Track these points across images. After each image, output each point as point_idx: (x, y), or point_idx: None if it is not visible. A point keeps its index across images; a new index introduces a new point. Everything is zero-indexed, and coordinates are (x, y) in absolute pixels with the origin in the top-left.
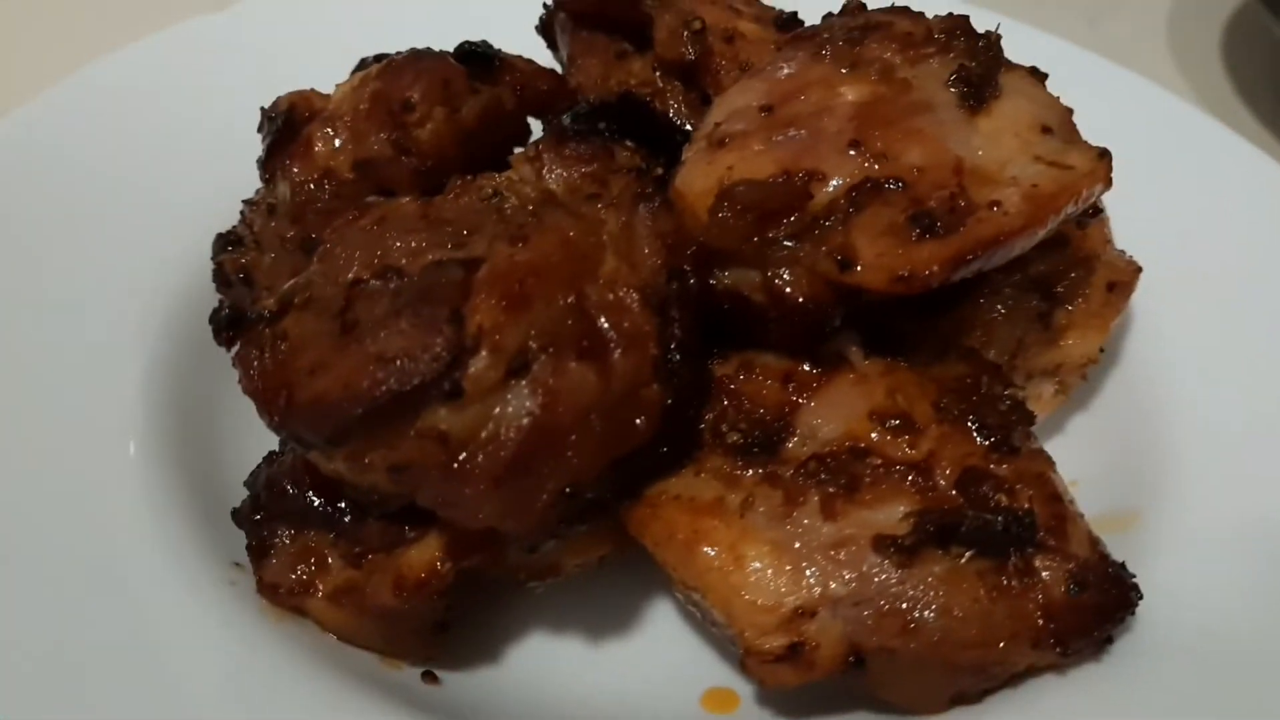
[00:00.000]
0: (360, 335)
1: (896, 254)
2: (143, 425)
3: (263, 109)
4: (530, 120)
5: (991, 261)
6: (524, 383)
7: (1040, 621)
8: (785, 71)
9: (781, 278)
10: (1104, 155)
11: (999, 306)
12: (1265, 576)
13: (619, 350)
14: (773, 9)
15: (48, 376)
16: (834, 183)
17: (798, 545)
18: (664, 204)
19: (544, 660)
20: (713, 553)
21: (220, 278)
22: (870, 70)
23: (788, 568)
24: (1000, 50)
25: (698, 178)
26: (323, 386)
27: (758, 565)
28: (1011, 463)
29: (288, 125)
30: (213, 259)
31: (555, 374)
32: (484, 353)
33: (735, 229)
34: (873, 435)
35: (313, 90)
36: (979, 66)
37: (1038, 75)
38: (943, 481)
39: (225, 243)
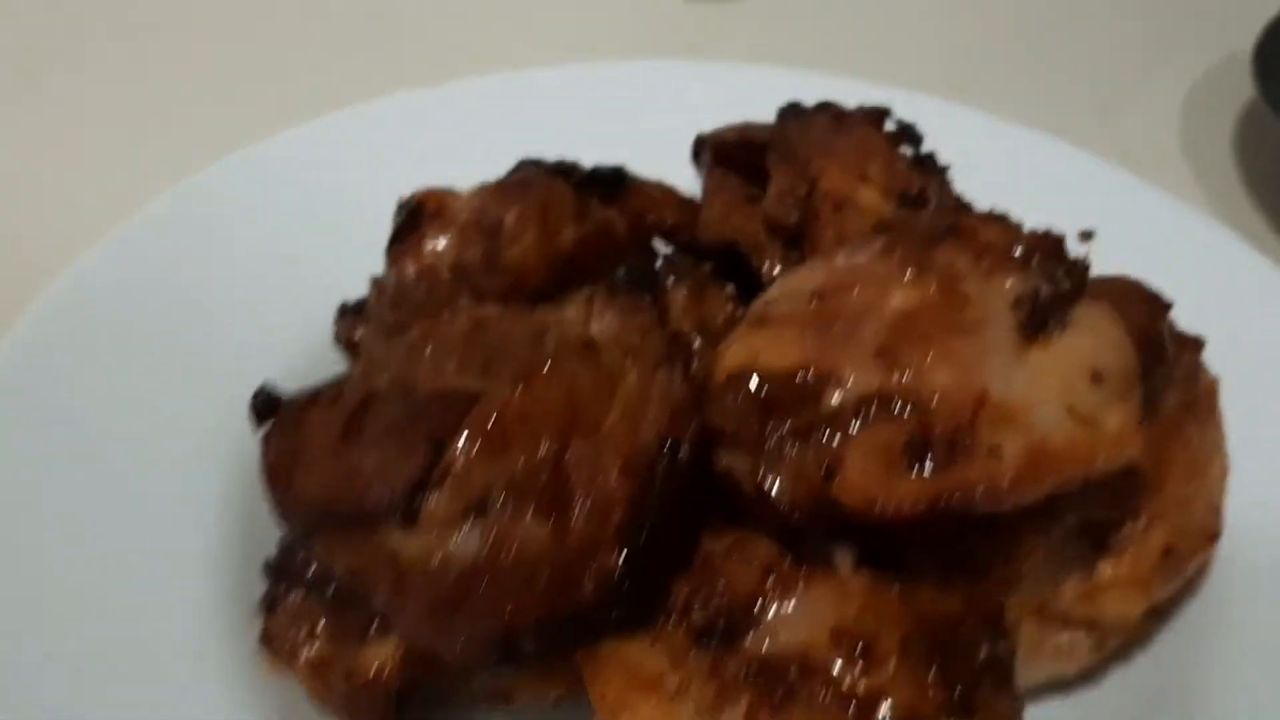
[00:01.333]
0: (353, 443)
1: (878, 479)
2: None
3: (399, 199)
4: None
5: (978, 509)
6: (478, 524)
7: None
8: (852, 261)
9: (768, 473)
10: (1142, 423)
11: (1042, 542)
12: None
13: (582, 512)
14: (910, 178)
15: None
16: (847, 389)
17: None
18: (686, 369)
19: None
20: None
21: (339, 341)
22: (932, 277)
23: None
24: (1084, 280)
25: (729, 354)
26: (309, 482)
27: None
28: None
29: (411, 218)
30: (334, 323)
31: (510, 521)
32: (446, 489)
33: (737, 414)
34: (829, 654)
35: (447, 191)
36: (1051, 293)
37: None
38: None
39: (345, 311)
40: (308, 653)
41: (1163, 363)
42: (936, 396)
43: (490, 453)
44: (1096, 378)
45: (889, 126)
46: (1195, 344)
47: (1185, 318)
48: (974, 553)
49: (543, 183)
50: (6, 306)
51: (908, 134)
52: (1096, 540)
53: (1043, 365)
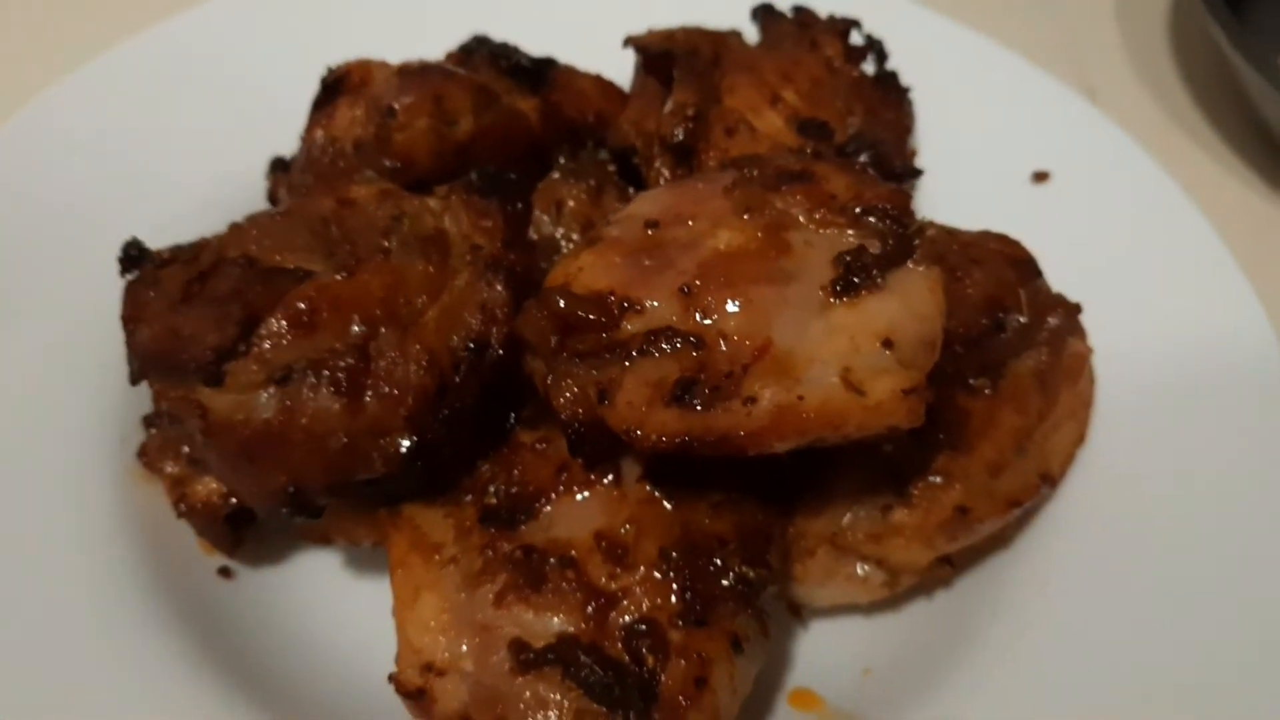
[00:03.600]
0: (186, 304)
1: (640, 409)
2: None
3: (328, 67)
4: None
5: (722, 451)
6: (275, 391)
7: None
8: (695, 192)
9: (555, 385)
10: (911, 393)
11: (845, 483)
12: None
13: (374, 395)
14: (833, 104)
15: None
16: (643, 319)
17: (463, 613)
18: (510, 277)
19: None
20: (402, 582)
21: (269, 195)
22: (761, 221)
23: (445, 627)
24: (910, 246)
25: (555, 269)
26: (145, 333)
27: (426, 612)
28: (690, 633)
29: (330, 88)
30: (266, 176)
31: (303, 394)
32: (250, 359)
33: (539, 329)
34: (588, 553)
35: (379, 63)
36: (874, 255)
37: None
38: (616, 619)
39: (275, 167)
40: (170, 469)
41: (1004, 330)
42: (722, 340)
43: (299, 332)
44: (887, 343)
45: (855, 39)
46: (1069, 309)
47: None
48: (771, 479)
49: (440, 75)
50: None
51: (874, 48)
52: (899, 484)
53: (839, 324)
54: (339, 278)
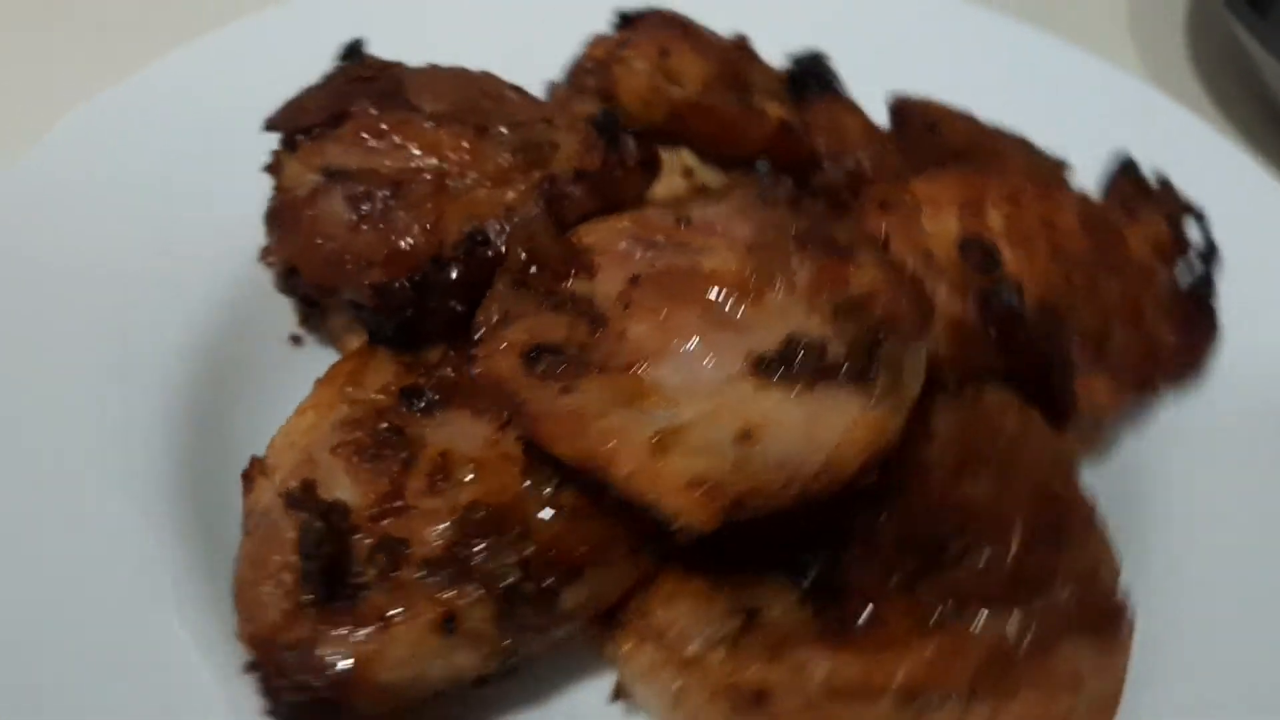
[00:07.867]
0: (322, 92)
1: (500, 345)
2: None
3: None
4: None
5: (522, 421)
6: (319, 180)
7: None
8: (741, 213)
9: (486, 298)
10: (701, 489)
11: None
12: None
13: (374, 226)
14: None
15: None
16: (589, 282)
17: (313, 442)
18: (553, 204)
19: None
20: (313, 394)
21: None
22: (758, 264)
23: (294, 445)
24: (865, 369)
25: (589, 223)
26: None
27: (299, 425)
28: (418, 581)
29: (628, 18)
30: None
31: (331, 194)
32: (316, 144)
33: (513, 248)
34: (425, 461)
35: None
36: (827, 358)
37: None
38: (388, 524)
39: None
40: None
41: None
42: (621, 336)
43: (359, 143)
44: (745, 436)
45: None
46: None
47: None
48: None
49: (681, 32)
50: None
51: (1208, 257)
52: (749, 629)
53: (727, 392)
54: (426, 123)
